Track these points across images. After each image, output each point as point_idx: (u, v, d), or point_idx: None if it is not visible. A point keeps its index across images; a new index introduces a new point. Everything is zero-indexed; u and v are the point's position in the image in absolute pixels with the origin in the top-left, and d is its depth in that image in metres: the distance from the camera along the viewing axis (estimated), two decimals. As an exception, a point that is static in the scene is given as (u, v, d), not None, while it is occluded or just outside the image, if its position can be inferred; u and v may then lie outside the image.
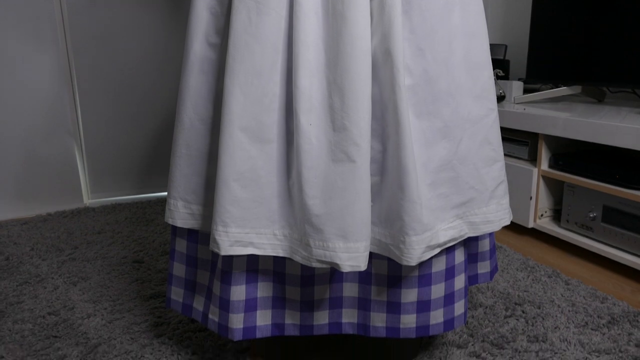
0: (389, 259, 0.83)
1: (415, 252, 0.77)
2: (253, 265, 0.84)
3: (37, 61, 1.92)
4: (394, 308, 0.84)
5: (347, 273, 0.85)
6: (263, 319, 0.86)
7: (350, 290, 0.86)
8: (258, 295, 0.85)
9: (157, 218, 1.89)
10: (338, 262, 0.75)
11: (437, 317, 0.85)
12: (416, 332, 0.85)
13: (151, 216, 1.91)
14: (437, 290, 0.85)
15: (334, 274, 0.85)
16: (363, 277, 0.85)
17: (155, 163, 2.24)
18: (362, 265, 0.76)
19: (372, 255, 0.84)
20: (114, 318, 1.17)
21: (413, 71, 0.78)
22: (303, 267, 0.84)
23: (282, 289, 0.85)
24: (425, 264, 0.84)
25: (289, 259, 0.83)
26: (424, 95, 0.78)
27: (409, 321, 0.85)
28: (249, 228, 0.78)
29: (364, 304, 0.86)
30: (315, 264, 0.76)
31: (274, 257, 0.84)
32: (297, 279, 0.84)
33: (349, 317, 0.87)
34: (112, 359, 1.01)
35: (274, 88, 0.76)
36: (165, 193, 2.27)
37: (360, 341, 1.03)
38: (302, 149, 0.74)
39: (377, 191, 0.80)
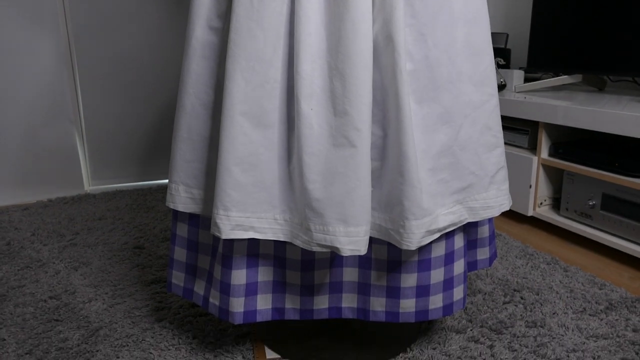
0: (389, 244, 0.84)
1: (415, 236, 0.77)
2: (254, 250, 0.84)
3: (38, 47, 1.91)
4: (394, 292, 0.85)
5: (347, 258, 0.86)
6: (263, 303, 0.86)
7: (350, 275, 0.86)
8: (259, 280, 0.85)
9: (157, 205, 1.90)
10: (338, 245, 0.75)
11: (436, 301, 0.86)
12: (415, 316, 0.86)
13: (152, 203, 1.92)
14: (437, 275, 0.85)
15: (334, 258, 0.85)
16: (363, 262, 0.86)
17: (157, 150, 2.24)
18: (362, 249, 0.76)
19: (372, 240, 0.84)
20: (115, 302, 1.17)
21: (414, 57, 0.77)
22: (303, 251, 0.84)
23: (282, 274, 0.86)
24: (424, 249, 0.84)
25: (290, 243, 0.84)
26: (424, 81, 0.78)
27: (408, 306, 0.85)
28: (249, 212, 0.78)
29: (363, 289, 0.86)
30: (315, 248, 0.77)
31: (275, 241, 0.85)
32: (297, 264, 0.84)
33: (348, 302, 0.87)
34: (113, 342, 1.02)
35: (275, 73, 0.76)
36: (166, 180, 2.27)
37: (360, 326, 1.04)
38: (303, 134, 0.74)
39: (377, 176, 0.80)
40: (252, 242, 0.84)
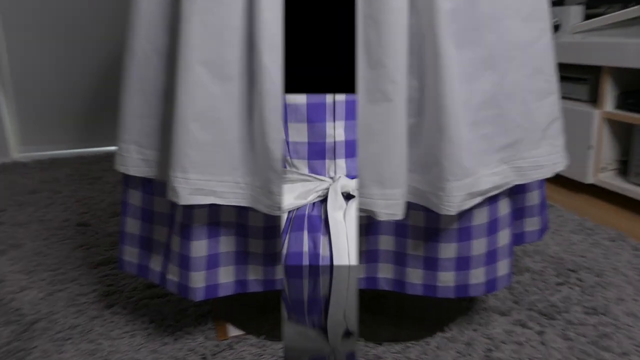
0: (425, 209, 0.87)
1: (456, 199, 0.81)
2: (214, 218, 0.89)
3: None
4: (431, 264, 0.89)
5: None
6: (226, 276, 0.92)
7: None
8: (220, 251, 0.91)
9: (105, 175, 1.91)
10: (375, 209, 0.80)
11: (478, 276, 0.89)
12: (455, 291, 0.90)
13: (98, 173, 1.93)
14: (479, 246, 0.89)
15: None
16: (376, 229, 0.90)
17: (101, 111, 2.24)
18: (399, 213, 0.81)
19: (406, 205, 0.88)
20: (55, 290, 1.19)
21: None
22: (266, 218, 0.88)
23: (245, 243, 0.91)
24: (464, 216, 0.87)
25: (252, 209, 0.87)
26: (465, 21, 0.81)
27: (448, 279, 0.89)
28: (209, 175, 0.82)
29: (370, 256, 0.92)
30: (278, 213, 0.81)
31: (237, 207, 0.88)
32: (260, 231, 0.90)
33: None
34: (53, 336, 1.03)
35: (234, 20, 0.79)
36: (114, 147, 2.27)
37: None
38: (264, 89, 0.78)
39: (414, 134, 0.83)
40: (213, 209, 0.88)
